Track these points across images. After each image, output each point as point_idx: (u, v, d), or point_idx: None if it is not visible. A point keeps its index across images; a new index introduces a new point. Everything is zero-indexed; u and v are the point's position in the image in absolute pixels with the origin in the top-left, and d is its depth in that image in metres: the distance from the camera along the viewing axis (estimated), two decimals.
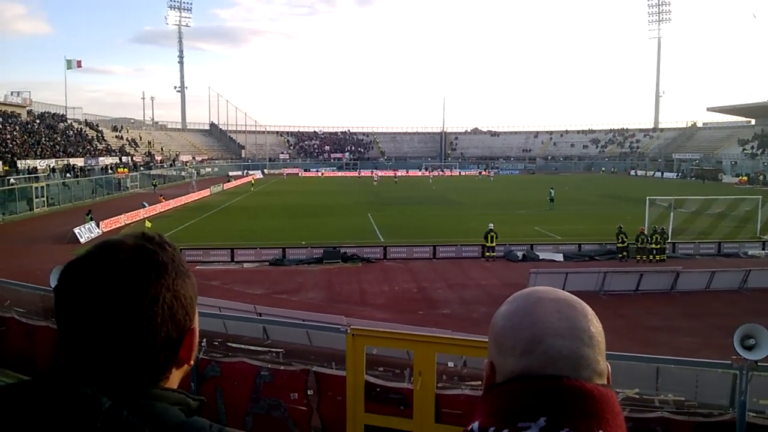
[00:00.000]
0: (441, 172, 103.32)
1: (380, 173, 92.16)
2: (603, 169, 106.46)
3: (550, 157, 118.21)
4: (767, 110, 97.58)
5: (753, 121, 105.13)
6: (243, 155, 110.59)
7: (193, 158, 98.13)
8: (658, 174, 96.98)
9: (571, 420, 0.91)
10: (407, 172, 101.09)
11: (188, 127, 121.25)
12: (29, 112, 71.18)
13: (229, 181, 75.57)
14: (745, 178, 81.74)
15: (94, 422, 0.97)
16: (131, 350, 1.05)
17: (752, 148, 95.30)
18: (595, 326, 1.02)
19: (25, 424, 0.98)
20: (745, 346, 5.72)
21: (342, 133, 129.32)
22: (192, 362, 1.15)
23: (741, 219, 37.27)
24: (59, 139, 68.51)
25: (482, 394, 1.04)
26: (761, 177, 79.44)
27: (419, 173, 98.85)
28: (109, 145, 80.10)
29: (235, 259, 26.82)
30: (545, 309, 1.02)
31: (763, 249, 29.54)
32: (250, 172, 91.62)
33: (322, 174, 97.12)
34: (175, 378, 1.14)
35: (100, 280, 1.05)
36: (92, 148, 74.11)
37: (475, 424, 0.98)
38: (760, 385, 6.04)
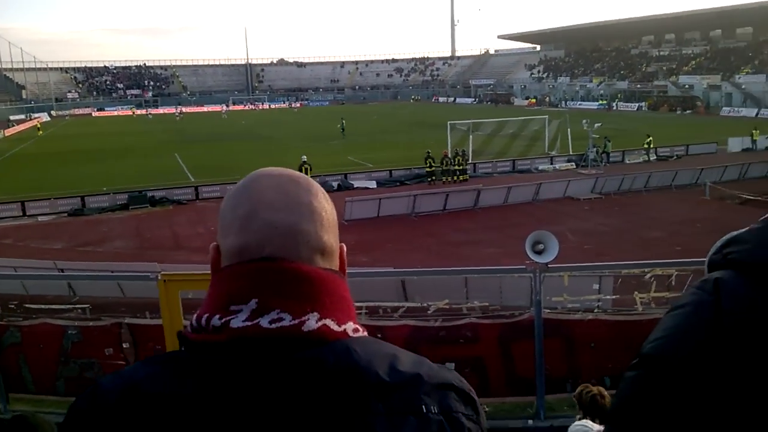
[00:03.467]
0: (243, 106, 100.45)
1: (184, 109, 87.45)
2: (413, 97, 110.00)
3: (357, 87, 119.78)
4: (550, 37, 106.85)
5: (538, 48, 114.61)
6: (24, 96, 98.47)
7: None
8: (459, 100, 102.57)
9: (283, 301, 0.89)
10: (226, 107, 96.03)
11: None
12: None
13: (10, 127, 67.25)
14: (534, 100, 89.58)
15: None
16: None
17: (538, 72, 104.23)
18: (320, 202, 0.98)
19: None
20: (536, 251, 6.29)
21: (137, 67, 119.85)
22: None
23: (531, 138, 40.82)
24: None
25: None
26: (547, 99, 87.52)
27: (223, 108, 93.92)
28: None
29: (28, 213, 24.22)
30: (264, 184, 0.98)
31: (551, 164, 32.82)
32: (35, 115, 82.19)
33: (138, 113, 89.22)
34: None
35: None
36: None
37: (195, 315, 0.94)
38: (552, 285, 6.75)
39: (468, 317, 6.84)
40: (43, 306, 7.68)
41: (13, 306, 7.20)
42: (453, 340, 6.46)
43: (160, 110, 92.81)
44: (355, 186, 27.82)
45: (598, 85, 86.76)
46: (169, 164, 36.58)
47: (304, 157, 26.99)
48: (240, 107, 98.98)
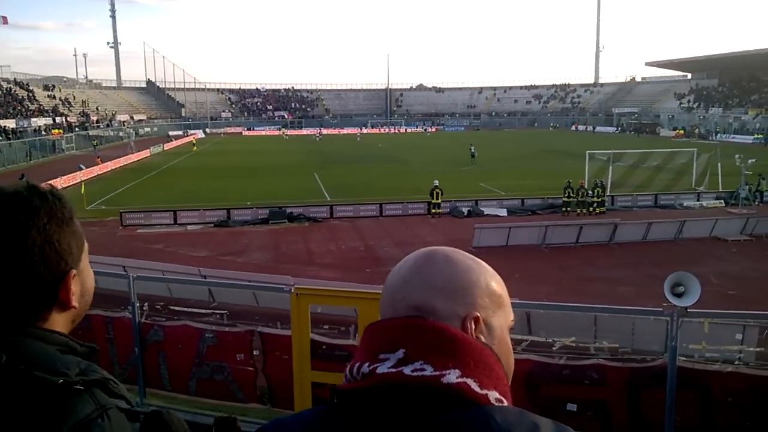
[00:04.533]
0: (379, 129, 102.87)
1: (324, 131, 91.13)
2: (551, 124, 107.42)
3: (494, 113, 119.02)
4: (703, 64, 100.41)
5: (689, 75, 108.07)
6: (183, 114, 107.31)
7: (131, 118, 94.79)
8: (599, 128, 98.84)
9: (428, 354, 0.94)
10: (360, 130, 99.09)
11: (124, 85, 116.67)
12: None
13: (169, 142, 73.44)
14: (682, 131, 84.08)
15: None
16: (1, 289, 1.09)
17: (688, 101, 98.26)
18: (428, 266, 1.03)
19: None
20: (675, 294, 5.92)
21: (285, 90, 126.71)
22: (76, 305, 1.17)
23: (677, 171, 38.55)
24: None
25: None
26: (697, 130, 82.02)
27: (357, 131, 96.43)
28: (41, 105, 76.51)
29: (178, 222, 26.26)
30: (407, 259, 1.07)
31: (698, 200, 30.66)
32: (191, 132, 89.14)
33: (284, 134, 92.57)
34: (58, 321, 1.17)
35: None
36: (23, 109, 70.69)
37: (348, 366, 1.01)
38: (690, 331, 6.30)
39: (595, 358, 6.55)
40: (185, 309, 8.28)
41: (158, 307, 7.81)
42: (577, 380, 6.21)
43: (303, 131, 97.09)
44: (485, 213, 27.54)
45: (754, 118, 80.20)
46: (308, 183, 38.26)
47: (436, 182, 27.26)
48: (375, 130, 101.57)
